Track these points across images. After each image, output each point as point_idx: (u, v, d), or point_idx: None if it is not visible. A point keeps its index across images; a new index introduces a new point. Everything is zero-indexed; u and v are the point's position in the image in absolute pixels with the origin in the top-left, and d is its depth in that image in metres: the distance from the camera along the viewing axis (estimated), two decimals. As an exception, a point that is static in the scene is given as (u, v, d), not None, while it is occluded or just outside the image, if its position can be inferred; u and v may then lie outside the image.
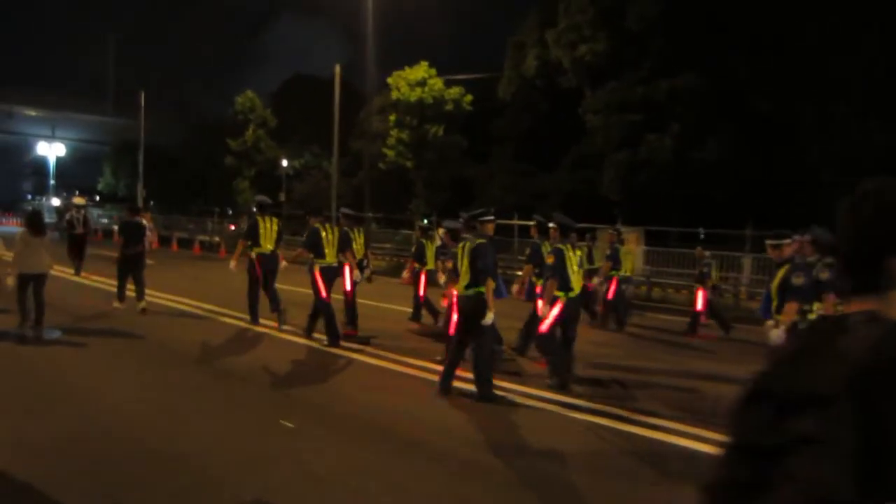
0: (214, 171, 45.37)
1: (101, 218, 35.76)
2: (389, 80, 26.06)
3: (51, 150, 54.74)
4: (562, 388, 6.69)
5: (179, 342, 8.72)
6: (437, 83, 25.19)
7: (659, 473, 4.82)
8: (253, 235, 9.64)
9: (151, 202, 42.26)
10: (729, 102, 21.91)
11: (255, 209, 10.30)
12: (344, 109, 37.90)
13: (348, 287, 9.37)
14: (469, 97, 25.28)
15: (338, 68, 28.11)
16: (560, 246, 7.05)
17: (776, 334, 5.50)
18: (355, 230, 10.06)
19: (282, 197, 35.50)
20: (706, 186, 21.92)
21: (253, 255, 9.65)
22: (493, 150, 30.85)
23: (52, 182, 56.48)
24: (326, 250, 8.64)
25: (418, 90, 24.97)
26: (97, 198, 61.24)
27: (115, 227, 14.85)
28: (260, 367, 7.40)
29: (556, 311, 6.89)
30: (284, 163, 36.77)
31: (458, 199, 28.70)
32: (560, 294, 6.91)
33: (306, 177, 41.90)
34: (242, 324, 9.99)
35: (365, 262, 10.46)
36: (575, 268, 7.00)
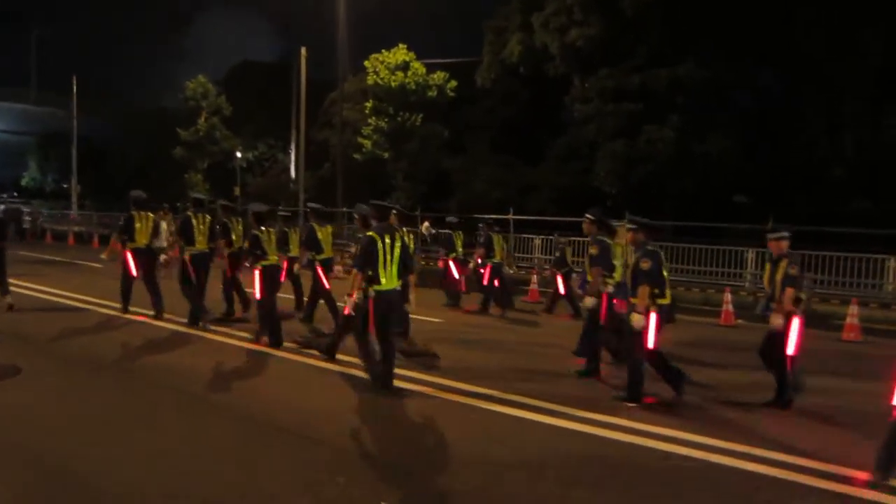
0: (158, 163, 42.14)
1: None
2: (367, 64, 23.99)
3: (-34, 141, 49.73)
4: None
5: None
6: (420, 68, 23.27)
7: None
8: (129, 230, 9.58)
9: (86, 200, 38.64)
10: (732, 93, 20.97)
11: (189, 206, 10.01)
12: (298, 99, 35.62)
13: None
14: (453, 83, 23.48)
15: (303, 51, 25.94)
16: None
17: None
18: (323, 227, 9.72)
19: (236, 191, 32.83)
20: (708, 180, 20.93)
21: (187, 255, 9.16)
22: (469, 140, 29.15)
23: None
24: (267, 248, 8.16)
25: (399, 75, 22.98)
26: (15, 193, 56.29)
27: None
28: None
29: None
30: (239, 154, 34.02)
31: (437, 192, 26.95)
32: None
33: (259, 169, 39.24)
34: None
35: (336, 259, 10.22)
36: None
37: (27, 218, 31.36)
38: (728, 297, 12.43)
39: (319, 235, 9.46)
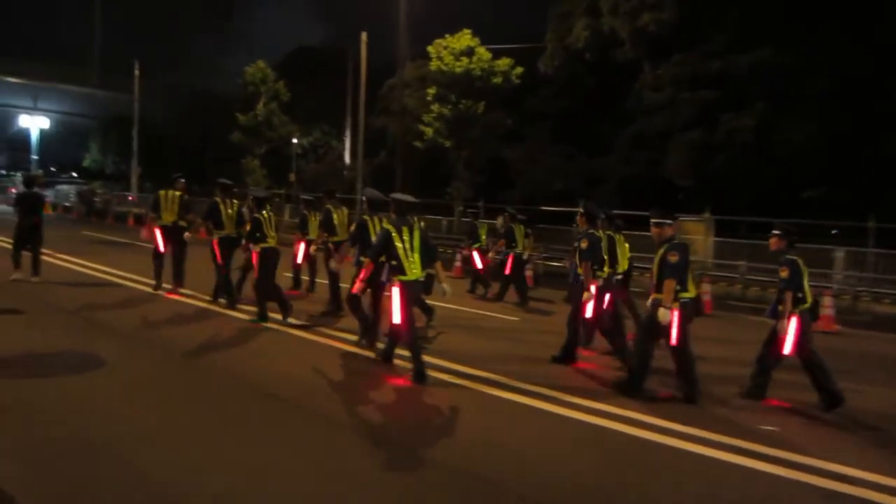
0: (215, 148, 42.54)
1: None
2: (430, 49, 23.37)
3: (33, 123, 51.18)
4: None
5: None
6: (485, 53, 22.57)
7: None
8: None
9: (146, 182, 39.30)
10: (818, 79, 19.66)
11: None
12: (356, 85, 35.26)
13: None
14: (519, 69, 22.72)
15: (363, 35, 25.44)
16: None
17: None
18: (339, 210, 9.67)
19: (292, 177, 32.79)
20: (790, 172, 19.74)
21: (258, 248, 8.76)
22: (528, 129, 28.35)
23: (34, 157, 53.00)
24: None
25: (464, 60, 22.32)
26: (73, 174, 57.97)
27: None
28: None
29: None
30: (295, 140, 33.97)
31: (497, 181, 26.31)
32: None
33: (313, 156, 39.22)
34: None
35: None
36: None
37: (96, 200, 32.10)
38: (828, 300, 11.50)
39: (335, 219, 9.51)
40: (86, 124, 53.45)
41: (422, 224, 6.69)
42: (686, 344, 5.89)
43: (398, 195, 6.79)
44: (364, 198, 7.80)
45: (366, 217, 7.48)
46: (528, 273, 12.65)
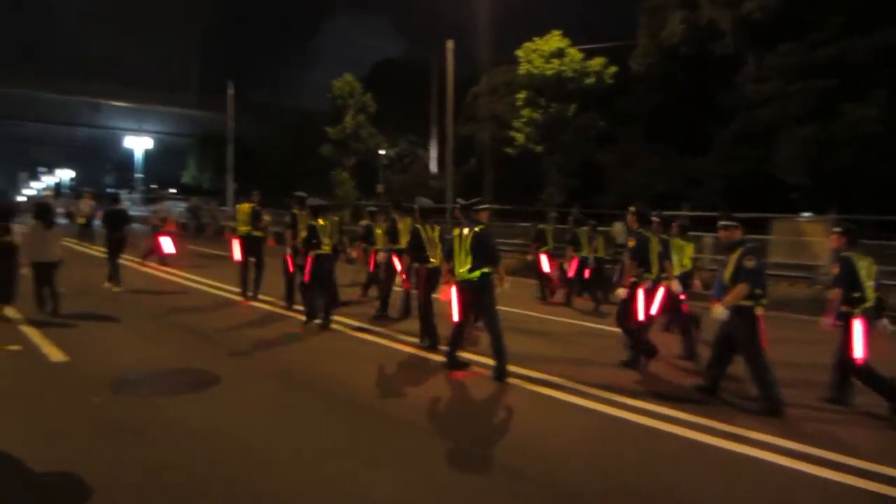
0: (303, 162, 43.75)
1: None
2: (519, 53, 22.93)
3: (137, 143, 54.50)
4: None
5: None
6: (576, 54, 21.89)
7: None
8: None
9: (240, 197, 40.76)
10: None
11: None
12: (441, 95, 35.28)
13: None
14: (612, 69, 21.91)
15: (450, 44, 25.32)
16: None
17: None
18: (403, 219, 9.73)
19: (379, 188, 33.11)
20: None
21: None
22: (619, 130, 27.32)
23: (139, 175, 56.37)
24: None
25: (555, 62, 21.74)
26: (171, 190, 61.07)
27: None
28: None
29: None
30: (382, 151, 34.32)
31: (590, 186, 25.48)
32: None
33: (399, 166, 39.55)
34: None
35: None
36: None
37: (203, 214, 33.51)
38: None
39: (399, 227, 9.58)
40: (184, 143, 56.39)
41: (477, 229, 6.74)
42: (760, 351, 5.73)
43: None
44: (416, 206, 8.32)
45: (418, 225, 8.09)
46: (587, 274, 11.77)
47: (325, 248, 8.86)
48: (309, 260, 8.82)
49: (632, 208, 7.44)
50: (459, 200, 7.33)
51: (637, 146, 26.20)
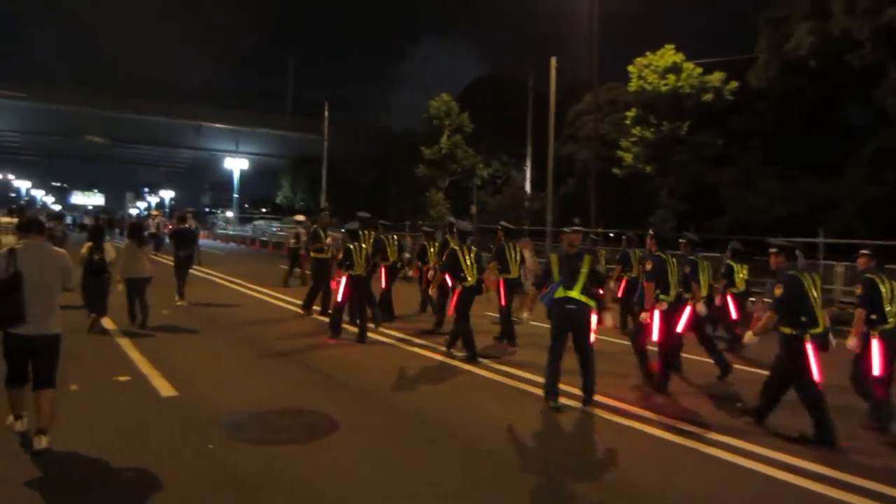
0: (397, 182, 43.93)
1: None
2: (630, 69, 21.81)
3: (235, 164, 56.63)
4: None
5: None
6: (694, 69, 20.51)
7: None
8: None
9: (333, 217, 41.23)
10: None
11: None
12: (537, 114, 34.44)
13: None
14: (733, 84, 20.35)
15: (553, 61, 24.49)
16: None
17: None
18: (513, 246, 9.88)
19: (473, 209, 32.44)
20: None
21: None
22: (736, 150, 25.42)
23: (235, 195, 58.45)
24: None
25: (671, 78, 20.43)
26: (263, 209, 63.04)
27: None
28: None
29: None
30: (479, 172, 33.75)
31: (702, 209, 23.75)
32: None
33: (491, 187, 38.84)
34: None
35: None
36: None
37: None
38: None
39: (507, 255, 9.66)
40: (277, 164, 58.08)
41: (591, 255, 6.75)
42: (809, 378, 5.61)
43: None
44: (455, 229, 9.24)
45: (455, 246, 8.77)
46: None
47: (359, 270, 9.52)
48: (344, 280, 9.48)
49: (651, 231, 7.78)
50: (576, 220, 7.78)
51: (755, 167, 24.27)
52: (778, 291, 5.77)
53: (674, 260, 7.27)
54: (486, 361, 8.35)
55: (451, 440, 5.47)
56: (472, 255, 8.60)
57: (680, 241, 8.05)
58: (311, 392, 6.78)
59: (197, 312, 11.62)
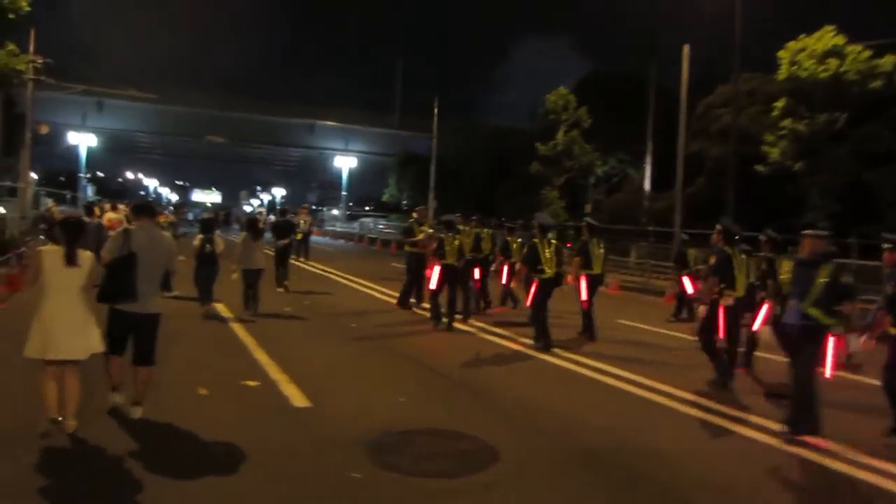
0: (502, 180, 43.00)
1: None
2: (781, 55, 19.64)
3: (344, 163, 57.77)
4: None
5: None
6: (862, 52, 18.12)
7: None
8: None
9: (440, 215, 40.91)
10: None
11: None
12: (658, 109, 32.40)
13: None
14: (909, 68, 17.81)
15: (685, 49, 22.66)
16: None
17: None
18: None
19: (587, 208, 30.95)
20: None
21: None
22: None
23: (343, 193, 59.66)
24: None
25: (832, 62, 18.16)
26: (367, 208, 64.00)
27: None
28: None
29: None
30: (598, 169, 32.21)
31: (857, 211, 21.13)
32: None
33: (605, 185, 37.05)
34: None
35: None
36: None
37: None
38: None
39: (592, 250, 9.83)
40: (384, 161, 58.67)
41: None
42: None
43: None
44: (535, 222, 9.39)
45: (536, 240, 9.05)
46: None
47: (450, 260, 9.98)
48: (437, 269, 10.02)
49: (718, 226, 7.57)
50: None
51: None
52: (889, 289, 5.67)
53: (743, 256, 7.32)
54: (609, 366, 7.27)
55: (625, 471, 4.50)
56: (551, 249, 8.98)
57: (760, 238, 8.03)
58: (451, 405, 6.10)
59: (315, 309, 11.70)
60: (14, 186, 25.35)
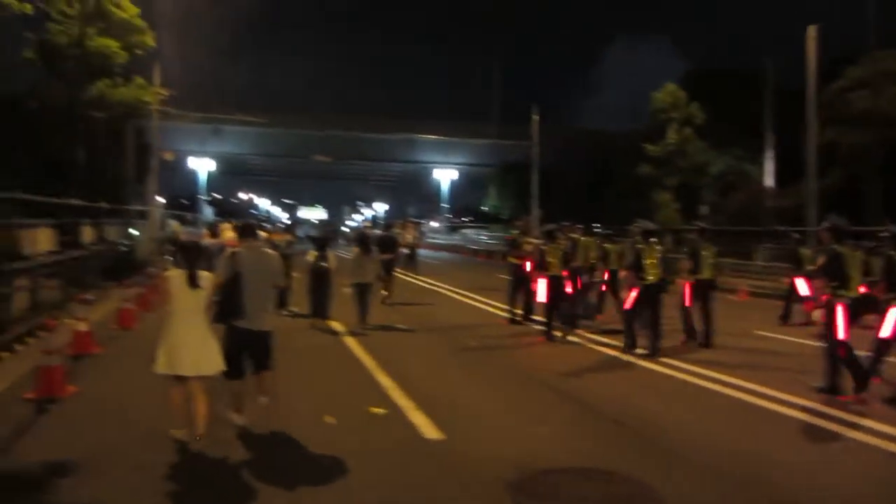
0: (605, 184, 41.64)
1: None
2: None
3: (444, 175, 58.10)
4: None
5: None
6: None
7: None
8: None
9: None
10: None
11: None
12: (778, 101, 30.03)
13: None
14: None
15: (811, 30, 20.80)
16: None
17: None
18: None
19: (703, 210, 29.09)
20: None
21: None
22: None
23: (444, 205, 59.95)
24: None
25: None
26: (464, 219, 63.86)
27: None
28: None
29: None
30: (713, 168, 30.32)
31: None
32: None
33: (719, 184, 34.81)
34: None
35: None
36: None
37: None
38: None
39: (704, 252, 9.61)
40: (481, 171, 58.39)
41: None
42: None
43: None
44: (638, 228, 9.33)
45: (640, 245, 8.97)
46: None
47: (554, 270, 9.78)
48: (543, 281, 9.86)
49: (826, 223, 7.30)
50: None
51: None
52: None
53: (858, 253, 6.93)
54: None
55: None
56: (654, 254, 8.84)
57: (881, 234, 7.56)
58: (594, 434, 5.55)
59: (428, 324, 11.49)
60: (144, 210, 27.03)
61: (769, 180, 29.85)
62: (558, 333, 9.94)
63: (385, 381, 7.08)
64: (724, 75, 36.84)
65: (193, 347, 4.83)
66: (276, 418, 5.39)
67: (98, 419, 5.59)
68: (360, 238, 11.58)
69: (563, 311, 10.31)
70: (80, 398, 6.15)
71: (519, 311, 11.46)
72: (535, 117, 39.03)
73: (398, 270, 19.59)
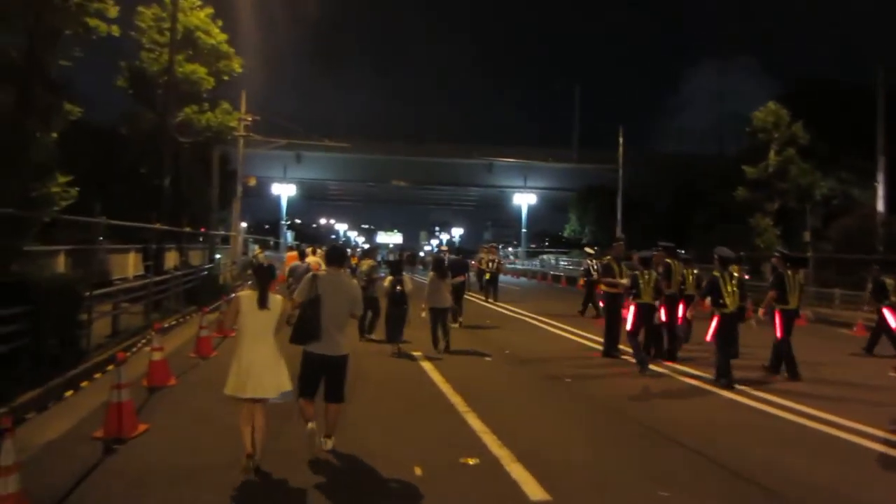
0: (694, 209, 39.78)
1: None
2: None
3: (523, 200, 57.31)
4: None
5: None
6: None
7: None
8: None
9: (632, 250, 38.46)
10: None
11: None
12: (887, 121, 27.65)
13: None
14: None
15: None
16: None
17: None
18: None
19: (806, 236, 26.93)
20: None
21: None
22: None
23: (524, 230, 59.07)
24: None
25: None
26: (545, 243, 62.38)
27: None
28: None
29: None
30: (819, 191, 28.16)
31: None
32: None
33: (823, 209, 32.35)
34: None
35: None
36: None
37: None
38: None
39: (787, 284, 9.39)
40: (560, 196, 57.23)
41: None
42: None
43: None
44: (717, 255, 8.88)
45: (716, 273, 8.73)
46: None
47: (646, 298, 9.57)
48: (632, 308, 9.63)
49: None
50: None
51: None
52: None
53: None
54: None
55: None
56: (733, 282, 8.65)
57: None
58: (719, 494, 4.66)
59: (515, 355, 10.85)
60: (227, 235, 27.57)
61: (880, 205, 27.41)
62: (654, 367, 9.49)
63: (476, 423, 6.32)
64: (825, 91, 34.54)
65: (260, 369, 4.82)
66: (368, 472, 4.90)
67: (165, 466, 4.98)
68: (437, 263, 11.58)
69: (656, 341, 10.09)
70: (149, 437, 5.66)
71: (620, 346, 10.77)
72: (620, 139, 37.83)
73: (475, 295, 19.04)
